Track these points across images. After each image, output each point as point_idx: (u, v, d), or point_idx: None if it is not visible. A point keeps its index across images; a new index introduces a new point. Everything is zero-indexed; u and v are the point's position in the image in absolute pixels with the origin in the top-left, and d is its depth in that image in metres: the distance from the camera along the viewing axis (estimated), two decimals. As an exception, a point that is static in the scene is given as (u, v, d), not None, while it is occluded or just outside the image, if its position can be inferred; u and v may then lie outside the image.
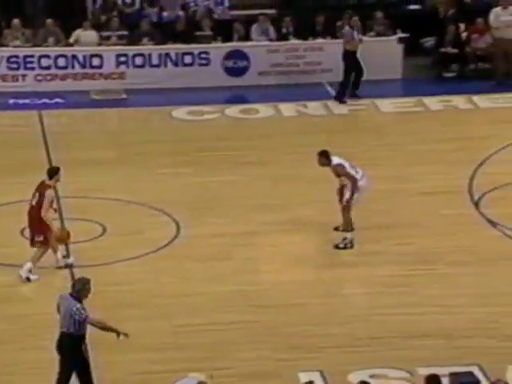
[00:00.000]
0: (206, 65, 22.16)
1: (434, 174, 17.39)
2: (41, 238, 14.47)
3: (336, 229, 15.50)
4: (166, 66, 22.06)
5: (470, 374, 11.05)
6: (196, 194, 16.99)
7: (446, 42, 22.19)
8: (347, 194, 15.13)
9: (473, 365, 11.82)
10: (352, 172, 15.16)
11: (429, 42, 22.53)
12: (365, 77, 21.05)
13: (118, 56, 22.02)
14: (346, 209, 15.19)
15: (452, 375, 10.79)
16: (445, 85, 21.67)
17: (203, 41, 22.41)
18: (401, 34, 22.22)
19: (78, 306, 11.26)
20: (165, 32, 22.63)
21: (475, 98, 20.84)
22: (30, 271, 14.43)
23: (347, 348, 12.66)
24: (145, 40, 22.39)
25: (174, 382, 11.09)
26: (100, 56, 21.98)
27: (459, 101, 20.82)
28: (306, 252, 15.30)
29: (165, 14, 23.10)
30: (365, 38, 21.90)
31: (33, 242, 14.56)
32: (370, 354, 12.46)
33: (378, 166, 17.73)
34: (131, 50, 22.14)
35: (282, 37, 22.55)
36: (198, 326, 13.26)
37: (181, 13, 23.05)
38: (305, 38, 22.48)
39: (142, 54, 22.04)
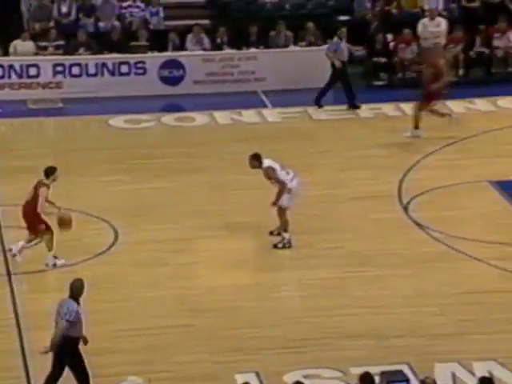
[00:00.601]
0: (142, 74, 22.14)
1: (365, 179, 17.53)
2: (42, 227, 14.86)
3: (271, 233, 15.60)
4: (102, 75, 22.01)
5: (400, 372, 11.15)
6: (133, 201, 16.96)
7: (375, 52, 22.44)
8: (276, 197, 15.25)
9: (402, 363, 11.91)
10: (282, 175, 15.29)
11: (358, 51, 22.72)
12: (297, 85, 21.19)
13: (55, 66, 21.94)
14: (280, 210, 15.30)
15: (383, 374, 10.92)
16: (374, 93, 21.87)
17: (139, 50, 22.38)
18: (331, 44, 22.38)
19: (74, 307, 11.37)
20: (101, 42, 22.58)
21: (403, 105, 21.01)
22: (55, 257, 14.92)
23: (282, 349, 12.73)
24: (81, 50, 22.31)
25: (112, 386, 11.10)
26: (37, 66, 21.87)
27: (388, 108, 21.03)
28: (241, 256, 15.34)
29: (101, 24, 23.02)
30: (296, 48, 22.11)
31: (36, 232, 14.93)
32: (304, 354, 12.55)
33: (311, 171, 17.84)
34: (68, 59, 22.07)
35: (217, 46, 22.60)
36: (136, 330, 13.25)
37: (117, 23, 22.99)
38: (239, 48, 22.55)
39: (78, 64, 21.99)
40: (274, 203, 15.28)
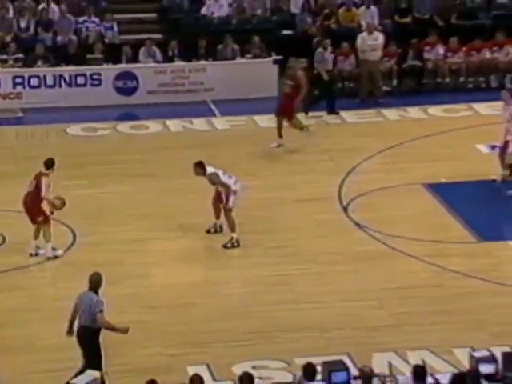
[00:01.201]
0: (98, 85, 22.03)
1: (307, 182, 17.60)
2: (41, 218, 14.96)
3: (208, 231, 15.65)
4: (60, 86, 21.87)
5: (341, 362, 11.24)
6: (90, 205, 16.89)
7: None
8: (225, 200, 15.32)
9: (343, 354, 12.02)
10: (225, 180, 15.38)
11: (300, 63, 22.78)
12: (244, 95, 21.24)
13: (15, 77, 21.76)
14: (227, 212, 15.35)
15: (325, 364, 11.00)
16: (316, 102, 21.92)
17: (95, 63, 22.27)
18: (275, 57, 22.43)
19: (98, 299, 11.48)
20: (59, 55, 22.41)
21: (342, 113, 21.11)
22: (54, 249, 15.04)
23: (231, 343, 12.78)
24: (40, 62, 22.13)
25: (71, 380, 10.97)
26: (-4, 77, 21.78)
27: (329, 117, 21.07)
28: (192, 256, 15.35)
29: (58, 38, 22.86)
30: (243, 60, 22.16)
31: (35, 222, 15.04)
32: (252, 347, 12.61)
33: (258, 175, 17.94)
34: (27, 71, 21.89)
35: (168, 59, 22.56)
36: (94, 326, 13.23)
37: (73, 37, 22.85)
38: (189, 60, 22.52)
39: (37, 76, 21.82)
40: (227, 205, 15.32)
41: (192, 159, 18.56)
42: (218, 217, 15.77)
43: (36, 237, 15.18)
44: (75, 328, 11.74)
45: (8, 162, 18.62)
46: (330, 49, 21.40)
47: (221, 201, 15.45)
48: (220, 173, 15.50)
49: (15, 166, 18.40)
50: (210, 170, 15.55)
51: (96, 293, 11.69)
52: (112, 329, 11.67)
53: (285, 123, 19.30)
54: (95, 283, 11.74)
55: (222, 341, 12.83)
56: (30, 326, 13.27)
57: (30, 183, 15.21)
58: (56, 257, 15.15)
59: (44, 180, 15.02)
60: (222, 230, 15.83)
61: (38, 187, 15.03)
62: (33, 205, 15.08)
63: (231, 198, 15.39)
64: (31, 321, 13.39)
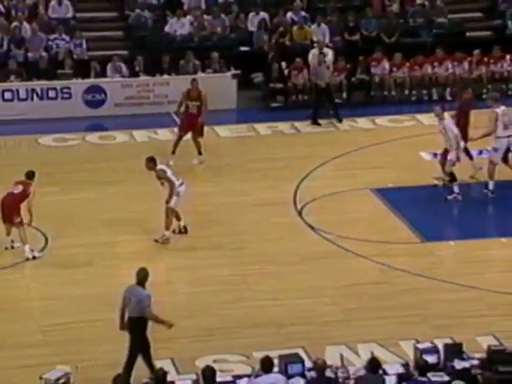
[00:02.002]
0: (68, 98, 21.86)
1: (265, 188, 17.58)
2: (18, 219, 14.91)
3: (173, 231, 15.56)
4: (32, 99, 21.67)
5: (296, 354, 11.23)
6: (61, 210, 16.74)
7: (272, 78, 22.55)
8: (168, 198, 15.31)
9: (298, 347, 11.99)
10: (172, 178, 15.36)
11: (258, 77, 22.81)
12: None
13: (-12, 91, 21.61)
14: (168, 210, 15.32)
15: (281, 357, 10.97)
16: (272, 113, 21.91)
17: (65, 77, 22.13)
18: (234, 71, 22.41)
19: (147, 294, 11.44)
20: (30, 70, 22.24)
21: (297, 124, 21.09)
22: (32, 250, 14.94)
23: (194, 338, 12.72)
24: (13, 77, 21.93)
25: (42, 374, 10.83)
26: (-29, 92, 21.58)
27: (284, 127, 21.06)
28: (157, 257, 15.23)
29: (30, 54, 22.66)
30: (203, 75, 22.09)
31: (12, 223, 14.99)
32: (214, 342, 12.53)
33: (218, 182, 17.91)
34: (1, 86, 21.66)
35: (134, 73, 22.45)
36: (64, 324, 13.09)
37: (44, 54, 22.66)
38: (153, 75, 22.42)
39: (10, 90, 21.61)
40: (167, 202, 15.31)
41: (156, 167, 18.57)
42: (178, 218, 15.65)
43: (8, 233, 15.13)
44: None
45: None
46: (327, 62, 21.28)
47: (166, 200, 15.35)
48: (169, 172, 15.50)
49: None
50: (160, 166, 15.56)
51: (143, 286, 11.62)
52: (160, 321, 11.61)
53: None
54: (143, 277, 11.67)
55: (185, 337, 12.73)
56: (2, 324, 13.08)
57: (16, 187, 15.15)
58: (35, 257, 14.97)
59: (32, 190, 15.10)
60: (186, 231, 15.69)
61: (25, 192, 15.05)
62: (14, 206, 15.00)
63: (174, 198, 15.32)
64: (2, 320, 13.19)
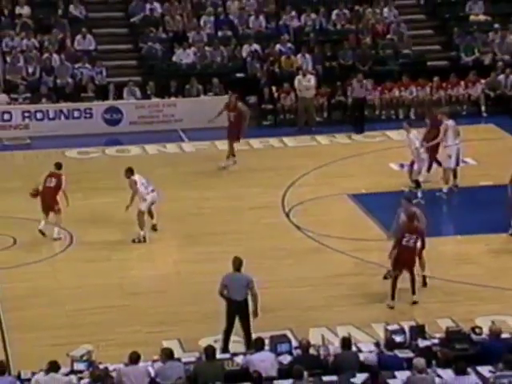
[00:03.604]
0: (90, 117, 21.79)
1: (257, 194, 17.53)
2: (58, 207, 15.34)
3: (133, 241, 15.37)
4: (60, 118, 21.61)
5: (284, 335, 11.22)
6: (85, 212, 16.64)
7: (264, 100, 22.55)
8: (140, 205, 15.38)
9: (286, 329, 11.98)
10: (141, 188, 15.38)
11: (251, 99, 22.81)
12: (206, 125, 21.11)
13: (23, 112, 21.51)
14: (139, 214, 15.37)
15: (271, 337, 10.97)
16: (263, 130, 21.85)
17: (87, 100, 22.08)
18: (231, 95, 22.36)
19: (250, 276, 11.44)
20: (59, 94, 22.19)
21: (285, 139, 21.05)
22: (59, 233, 15.42)
23: (198, 322, 12.64)
24: (44, 100, 21.91)
25: (69, 352, 10.79)
26: (9, 112, 21.48)
27: (274, 141, 21.00)
28: (166, 253, 15.23)
29: (58, 80, 22.64)
30: (205, 97, 22.08)
31: (52, 210, 15.34)
32: (214, 325, 12.35)
33: (218, 188, 17.87)
34: (34, 107, 21.62)
35: (146, 96, 22.43)
36: (87, 310, 13.05)
37: (70, 80, 22.65)
38: (162, 97, 22.39)
39: (41, 111, 21.59)
40: (139, 207, 15.35)
41: (166, 176, 18.60)
42: (152, 217, 15.73)
43: (46, 217, 15.39)
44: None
45: (18, 178, 18.33)
46: (362, 82, 21.49)
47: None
48: (140, 182, 15.45)
49: (22, 182, 18.09)
50: (134, 177, 15.55)
51: (240, 271, 11.58)
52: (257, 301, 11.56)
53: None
54: (240, 264, 11.64)
55: (190, 320, 12.70)
56: (35, 309, 13.06)
57: (48, 180, 15.44)
58: (60, 238, 15.33)
59: (63, 179, 15.47)
60: (155, 229, 15.66)
61: (58, 183, 15.41)
62: (52, 197, 15.34)
63: (144, 204, 15.35)
64: (36, 305, 13.17)
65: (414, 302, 13.01)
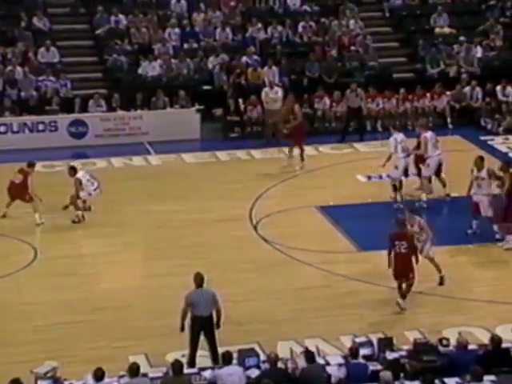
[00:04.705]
0: (55, 130, 21.68)
1: (225, 206, 17.51)
2: (28, 197, 16.37)
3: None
4: (24, 132, 21.47)
5: (252, 349, 11.19)
6: (49, 226, 16.54)
7: (231, 113, 22.56)
8: (81, 193, 16.51)
9: (254, 343, 11.94)
10: (87, 186, 16.50)
11: (218, 112, 22.82)
12: (173, 137, 21.16)
13: (-14, 125, 21.39)
14: (74, 198, 16.55)
15: (239, 351, 10.94)
16: (230, 142, 21.88)
17: (52, 113, 21.95)
18: (198, 107, 22.38)
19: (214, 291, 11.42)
20: (22, 107, 22.02)
21: (252, 151, 21.08)
22: (41, 218, 16.33)
23: (165, 336, 12.50)
24: (7, 113, 21.71)
25: (33, 369, 10.67)
26: (-28, 125, 21.36)
27: (241, 154, 21.04)
28: (132, 267, 15.14)
29: (22, 93, 22.47)
30: (172, 110, 22.06)
31: (25, 201, 16.38)
32: (181, 339, 12.20)
33: (185, 201, 17.83)
34: (-3, 121, 21.55)
35: (112, 109, 22.33)
36: (51, 325, 12.91)
37: (34, 93, 22.49)
38: (128, 110, 22.32)
39: (5, 124, 21.41)
40: (71, 201, 16.47)
41: (132, 189, 18.53)
42: (77, 208, 16.62)
43: (36, 211, 16.25)
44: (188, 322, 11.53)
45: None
46: (357, 91, 21.75)
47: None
48: (84, 179, 16.52)
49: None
50: (78, 175, 16.61)
51: (202, 287, 11.56)
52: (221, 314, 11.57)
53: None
54: (201, 280, 11.59)
55: (156, 335, 12.61)
56: (1, 325, 12.89)
57: (16, 176, 16.35)
58: (42, 223, 16.17)
59: (29, 177, 16.28)
60: (90, 209, 16.81)
61: (24, 181, 16.27)
62: (19, 193, 16.28)
63: (83, 194, 16.56)
64: (0, 321, 13.00)
65: (398, 304, 13.09)
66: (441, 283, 13.92)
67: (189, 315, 11.67)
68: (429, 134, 17.47)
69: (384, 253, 13.48)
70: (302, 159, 19.61)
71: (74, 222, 16.43)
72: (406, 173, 17.59)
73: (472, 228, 15.75)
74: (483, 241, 15.54)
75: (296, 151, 19.78)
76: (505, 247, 15.26)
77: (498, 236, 15.48)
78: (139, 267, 15.24)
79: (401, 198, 17.28)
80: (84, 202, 16.89)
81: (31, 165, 16.75)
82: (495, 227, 15.49)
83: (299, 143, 19.65)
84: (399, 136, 17.48)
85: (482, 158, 15.99)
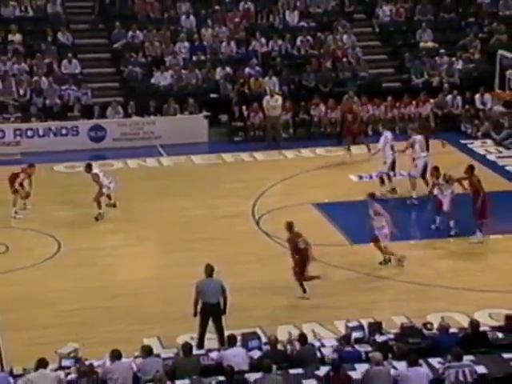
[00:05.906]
0: (76, 135, 21.61)
1: (229, 203, 17.50)
2: (14, 189, 16.57)
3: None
4: (48, 136, 21.43)
5: (254, 333, 11.22)
6: (72, 221, 16.55)
7: (235, 118, 22.57)
8: (98, 195, 16.40)
9: (256, 327, 11.94)
10: (104, 181, 16.45)
11: (223, 118, 22.82)
12: (183, 141, 21.17)
13: (15, 130, 21.32)
14: (98, 196, 16.41)
15: (243, 334, 10.97)
16: (235, 145, 21.83)
17: (74, 119, 21.95)
18: (205, 113, 22.38)
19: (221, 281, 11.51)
20: (47, 114, 22.01)
21: (254, 153, 21.04)
22: (16, 212, 16.52)
23: (176, 320, 12.51)
24: (33, 119, 21.71)
25: (57, 350, 10.70)
26: (2, 130, 21.29)
27: (244, 155, 20.97)
28: (147, 258, 15.15)
29: (47, 101, 22.49)
30: (182, 116, 22.07)
31: (11, 190, 16.60)
32: (190, 323, 12.23)
33: (194, 198, 17.82)
34: (24, 126, 21.43)
35: (128, 115, 22.34)
36: (73, 310, 12.96)
37: (58, 101, 22.51)
38: (142, 116, 22.33)
39: (32, 129, 21.39)
40: (95, 199, 16.37)
41: (146, 188, 18.56)
42: (110, 199, 16.71)
43: (15, 205, 16.50)
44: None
45: (8, 191, 18.13)
46: (354, 99, 21.82)
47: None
48: (102, 174, 16.48)
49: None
50: (94, 170, 16.53)
51: (212, 277, 11.54)
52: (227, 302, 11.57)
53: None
54: (211, 270, 11.58)
55: (168, 319, 12.63)
56: (26, 310, 12.93)
57: (16, 171, 16.76)
58: (15, 218, 16.32)
59: (24, 174, 16.58)
60: (115, 206, 16.69)
61: (18, 175, 16.65)
62: (11, 181, 16.68)
63: (104, 189, 16.45)
64: (26, 307, 13.03)
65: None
66: (386, 262, 14.24)
67: (200, 302, 11.67)
68: (418, 137, 17.60)
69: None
70: (369, 150, 19.88)
71: (96, 219, 16.37)
72: (393, 167, 17.79)
73: (436, 223, 15.78)
74: (460, 235, 15.55)
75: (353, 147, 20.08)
76: (472, 241, 15.30)
77: (452, 232, 15.49)
78: (153, 259, 15.27)
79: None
80: (109, 198, 16.78)
81: (31, 166, 16.90)
82: (451, 223, 15.52)
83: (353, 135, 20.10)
84: (389, 134, 17.79)
85: (437, 168, 16.09)
